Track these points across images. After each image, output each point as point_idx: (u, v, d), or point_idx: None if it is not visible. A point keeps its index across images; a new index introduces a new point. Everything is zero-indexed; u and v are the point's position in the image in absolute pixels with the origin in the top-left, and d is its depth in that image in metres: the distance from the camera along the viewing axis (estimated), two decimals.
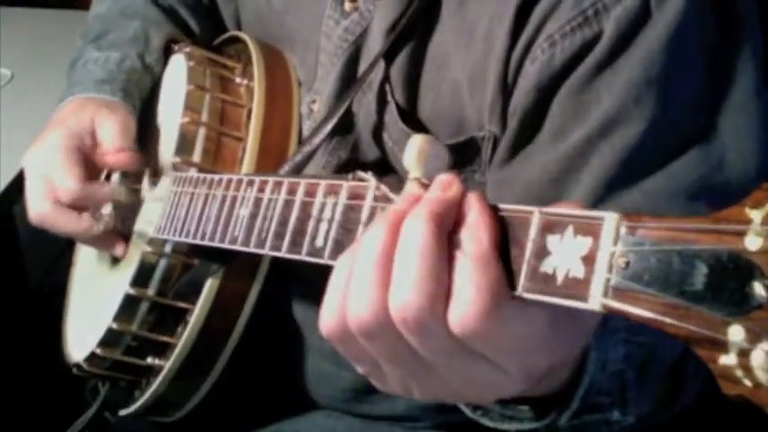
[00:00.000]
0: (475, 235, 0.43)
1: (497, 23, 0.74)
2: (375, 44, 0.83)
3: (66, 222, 0.93)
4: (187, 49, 1.00)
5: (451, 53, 0.78)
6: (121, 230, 0.99)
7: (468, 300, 0.42)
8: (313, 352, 0.97)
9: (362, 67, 0.86)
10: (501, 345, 0.43)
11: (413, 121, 0.81)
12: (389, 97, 0.82)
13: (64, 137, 0.93)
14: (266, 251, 0.66)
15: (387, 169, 0.84)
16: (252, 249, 0.68)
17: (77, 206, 0.93)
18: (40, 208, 0.93)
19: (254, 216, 0.69)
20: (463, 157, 0.78)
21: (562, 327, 0.44)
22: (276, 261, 0.89)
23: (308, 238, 0.60)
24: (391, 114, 0.82)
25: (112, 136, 0.94)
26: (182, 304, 0.89)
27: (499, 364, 0.45)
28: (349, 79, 0.87)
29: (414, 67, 0.81)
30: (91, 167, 0.95)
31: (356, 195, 0.56)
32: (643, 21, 0.67)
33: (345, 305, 0.46)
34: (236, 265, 0.87)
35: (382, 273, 0.44)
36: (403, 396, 0.50)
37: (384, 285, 0.44)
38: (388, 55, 0.81)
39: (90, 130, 0.95)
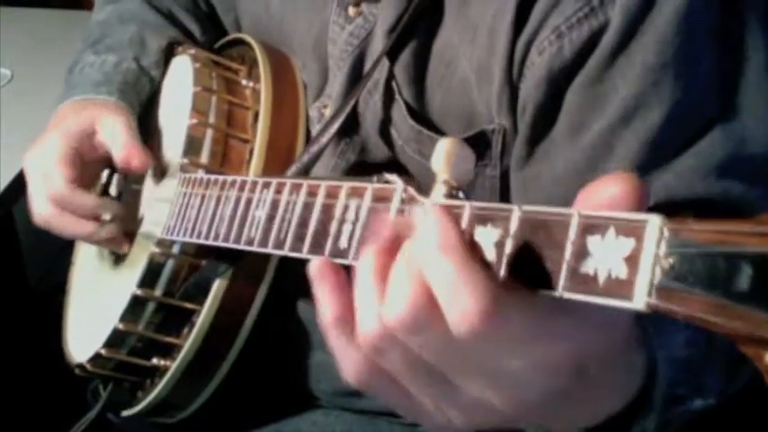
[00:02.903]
0: (428, 238, 0.44)
1: (500, 19, 0.75)
2: (379, 46, 0.84)
3: (68, 225, 0.94)
4: (192, 51, 1.01)
5: (458, 50, 0.79)
6: (124, 229, 1.00)
7: (462, 303, 0.42)
8: (315, 347, 0.98)
9: (368, 69, 0.87)
10: (506, 335, 0.43)
11: (421, 118, 0.82)
12: (397, 95, 0.82)
13: (62, 137, 0.94)
14: (285, 252, 0.66)
15: (396, 169, 0.85)
16: (270, 250, 0.69)
17: (65, 209, 0.93)
18: (43, 210, 0.93)
19: (271, 218, 0.69)
20: (474, 151, 0.79)
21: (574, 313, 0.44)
22: (282, 261, 0.90)
23: (330, 240, 0.60)
24: (399, 112, 0.83)
25: (120, 135, 0.94)
26: (189, 305, 0.90)
27: (522, 365, 0.44)
28: (355, 82, 0.88)
29: (419, 65, 0.81)
30: (88, 170, 0.96)
31: (381, 198, 0.57)
32: (649, 6, 0.68)
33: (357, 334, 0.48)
34: (244, 266, 0.88)
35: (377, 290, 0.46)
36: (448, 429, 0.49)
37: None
38: (391, 54, 0.82)
39: (90, 132, 0.95)
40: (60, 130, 0.95)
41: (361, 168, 0.87)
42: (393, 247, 0.47)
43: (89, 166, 0.96)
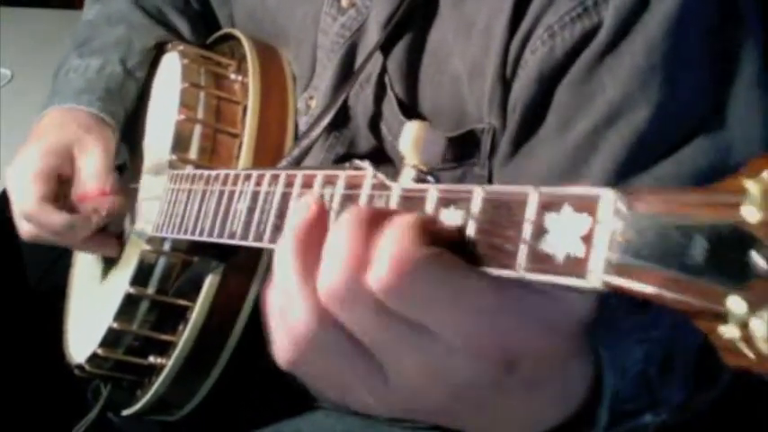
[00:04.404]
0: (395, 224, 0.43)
1: (495, 17, 0.74)
2: (372, 39, 0.83)
3: (49, 239, 0.95)
4: (180, 48, 1.01)
5: (451, 47, 0.78)
6: (113, 230, 1.00)
7: (383, 261, 0.42)
8: None
9: (359, 62, 0.86)
10: (433, 306, 0.42)
11: (413, 114, 0.81)
12: (389, 90, 0.82)
13: (41, 153, 0.94)
14: (265, 244, 0.65)
15: (385, 163, 0.84)
16: (250, 243, 0.68)
17: (38, 225, 0.93)
18: (22, 227, 0.96)
19: (251, 210, 0.69)
20: (463, 149, 0.78)
21: (517, 304, 0.42)
22: None
23: None
24: (390, 107, 0.82)
25: (94, 175, 0.94)
26: (182, 302, 0.89)
27: (445, 338, 0.42)
28: (346, 74, 0.87)
29: (412, 60, 0.81)
30: (64, 187, 0.96)
31: (353, 185, 0.56)
32: (642, 8, 0.67)
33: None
34: (236, 261, 0.87)
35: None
36: (382, 414, 0.49)
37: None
38: (385, 48, 0.81)
39: (70, 156, 0.95)
40: (40, 145, 0.95)
41: (350, 162, 0.86)
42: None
43: (63, 184, 0.96)
